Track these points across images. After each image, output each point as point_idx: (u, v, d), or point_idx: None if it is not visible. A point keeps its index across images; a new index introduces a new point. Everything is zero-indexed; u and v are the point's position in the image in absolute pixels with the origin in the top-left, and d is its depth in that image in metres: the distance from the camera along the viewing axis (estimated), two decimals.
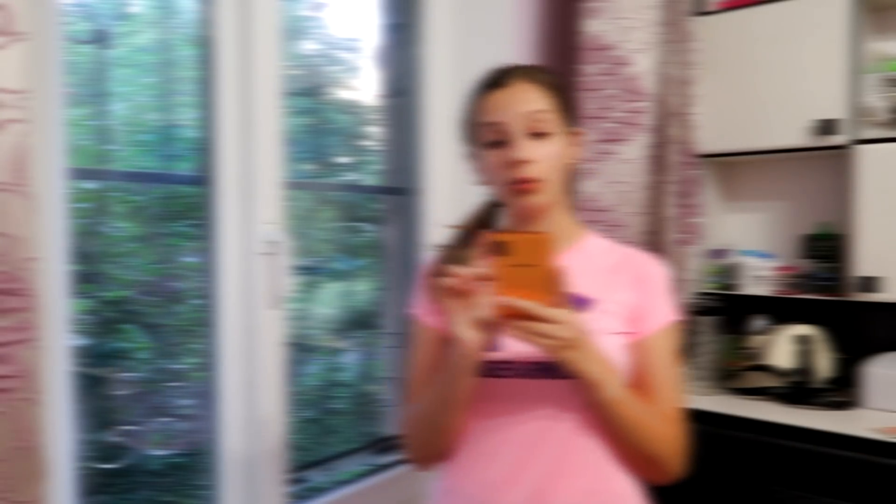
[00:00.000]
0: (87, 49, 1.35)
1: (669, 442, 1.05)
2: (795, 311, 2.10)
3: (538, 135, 1.01)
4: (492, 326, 0.92)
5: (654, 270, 1.10)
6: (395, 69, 1.94)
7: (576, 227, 1.13)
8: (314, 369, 1.89)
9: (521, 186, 1.01)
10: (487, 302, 0.91)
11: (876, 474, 1.67)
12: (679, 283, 2.06)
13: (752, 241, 2.31)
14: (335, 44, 1.95)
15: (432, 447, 1.07)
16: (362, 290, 1.99)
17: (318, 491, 1.69)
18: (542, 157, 1.01)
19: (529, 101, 1.01)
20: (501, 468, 1.03)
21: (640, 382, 1.05)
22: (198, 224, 1.48)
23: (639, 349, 1.06)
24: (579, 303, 1.03)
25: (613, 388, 0.97)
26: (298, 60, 1.80)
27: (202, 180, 1.46)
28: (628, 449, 1.03)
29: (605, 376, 0.97)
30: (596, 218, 1.94)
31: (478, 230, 1.09)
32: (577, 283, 1.01)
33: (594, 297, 1.05)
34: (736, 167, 2.36)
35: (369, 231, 2.00)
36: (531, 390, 1.02)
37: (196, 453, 1.51)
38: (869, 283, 1.89)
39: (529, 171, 1.00)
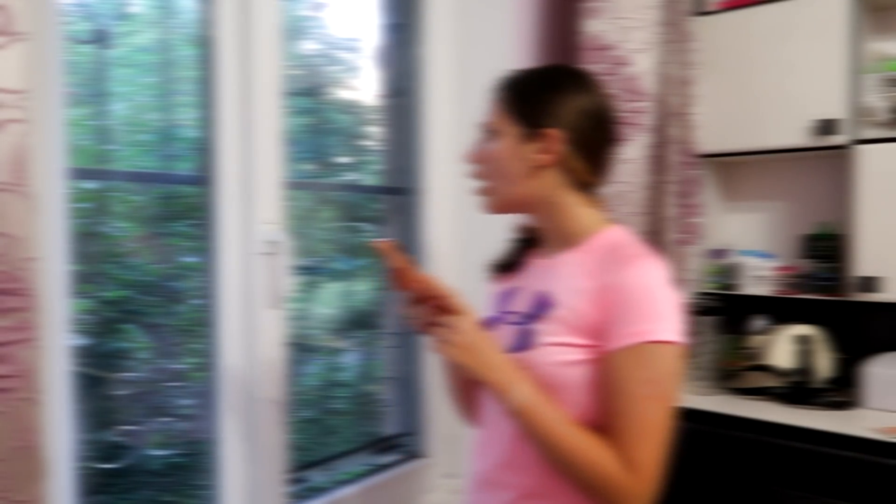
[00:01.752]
0: (87, 49, 1.35)
1: (604, 476, 0.92)
2: (795, 311, 2.10)
3: (490, 134, 1.07)
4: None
5: (631, 281, 0.95)
6: (395, 69, 1.94)
7: (587, 225, 1.05)
8: (314, 369, 1.89)
9: (474, 190, 1.10)
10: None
11: (876, 474, 1.67)
12: (679, 283, 2.06)
13: (752, 241, 2.31)
14: (335, 44, 1.95)
15: (455, 406, 1.24)
16: (362, 290, 1.99)
17: (318, 491, 1.69)
18: (484, 156, 1.07)
19: (491, 106, 1.09)
20: (474, 461, 1.11)
21: (607, 408, 0.95)
22: (198, 224, 1.48)
23: (602, 368, 0.95)
24: (539, 305, 1.02)
25: (518, 395, 0.94)
26: (298, 60, 1.80)
27: (202, 180, 1.46)
28: (552, 465, 0.97)
29: (506, 384, 0.95)
30: None
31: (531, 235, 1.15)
32: (552, 285, 1.03)
33: (557, 300, 1.00)
34: (736, 167, 2.36)
35: (369, 231, 2.00)
36: None
37: (196, 453, 1.51)
38: (869, 283, 1.89)
39: (472, 170, 1.09)
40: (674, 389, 0.95)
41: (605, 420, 0.94)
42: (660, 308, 0.95)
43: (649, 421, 0.92)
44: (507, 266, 1.16)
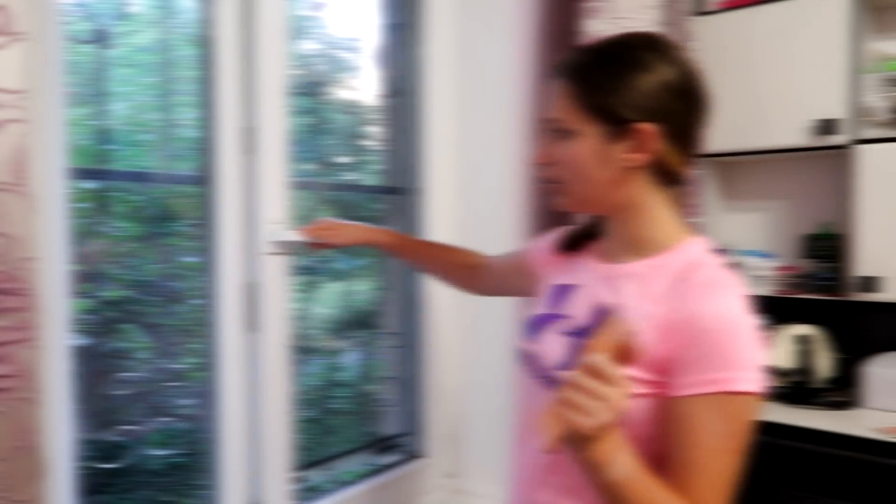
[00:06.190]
0: (87, 49, 1.35)
1: None
2: (795, 311, 2.10)
3: (562, 133, 0.90)
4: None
5: (709, 317, 0.81)
6: (395, 69, 1.94)
7: (665, 235, 0.91)
8: (314, 369, 1.89)
9: (541, 186, 0.98)
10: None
11: (876, 474, 1.67)
12: None
13: (752, 241, 2.31)
14: (335, 44, 1.95)
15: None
16: (362, 290, 1.99)
17: (319, 491, 1.69)
18: (559, 159, 0.90)
19: (554, 97, 0.91)
20: (513, 485, 1.01)
21: (670, 455, 0.82)
22: (198, 224, 1.48)
23: (668, 408, 0.82)
24: (599, 320, 0.82)
25: (619, 468, 0.76)
26: (298, 60, 1.80)
27: (202, 180, 1.46)
28: None
29: (609, 453, 0.76)
30: None
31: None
32: (615, 299, 0.89)
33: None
34: (736, 167, 2.36)
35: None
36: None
37: (196, 453, 1.51)
38: (869, 283, 1.89)
39: (542, 172, 0.93)
40: (748, 440, 0.84)
41: (666, 461, 0.82)
42: (741, 352, 0.81)
43: (722, 474, 0.83)
44: (572, 243, 1.03)
